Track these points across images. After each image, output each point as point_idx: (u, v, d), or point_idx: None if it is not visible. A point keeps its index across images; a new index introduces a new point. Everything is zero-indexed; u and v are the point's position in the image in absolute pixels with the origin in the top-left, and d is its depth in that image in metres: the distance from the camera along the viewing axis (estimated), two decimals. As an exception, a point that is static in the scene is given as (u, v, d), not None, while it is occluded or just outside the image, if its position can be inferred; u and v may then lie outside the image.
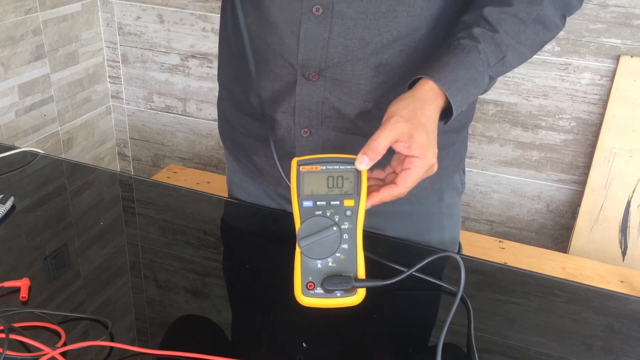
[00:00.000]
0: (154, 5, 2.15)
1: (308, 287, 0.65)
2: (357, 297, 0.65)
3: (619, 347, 0.72)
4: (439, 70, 0.72)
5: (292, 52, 0.78)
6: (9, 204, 0.91)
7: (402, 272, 0.74)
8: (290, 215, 0.94)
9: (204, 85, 2.22)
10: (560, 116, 1.88)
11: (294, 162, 0.69)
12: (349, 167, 0.68)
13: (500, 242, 1.94)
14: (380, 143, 0.67)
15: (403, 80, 0.78)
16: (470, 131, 2.00)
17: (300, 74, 0.79)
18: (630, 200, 1.83)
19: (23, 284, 0.75)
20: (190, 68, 2.21)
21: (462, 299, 0.77)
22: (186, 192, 1.01)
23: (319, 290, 0.65)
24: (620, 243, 1.89)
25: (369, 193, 0.68)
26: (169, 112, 2.34)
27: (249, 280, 0.81)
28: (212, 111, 2.26)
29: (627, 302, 0.80)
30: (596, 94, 1.82)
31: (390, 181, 0.70)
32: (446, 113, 0.74)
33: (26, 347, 0.66)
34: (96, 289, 0.77)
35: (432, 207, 0.94)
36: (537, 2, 0.75)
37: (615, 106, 1.78)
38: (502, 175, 2.02)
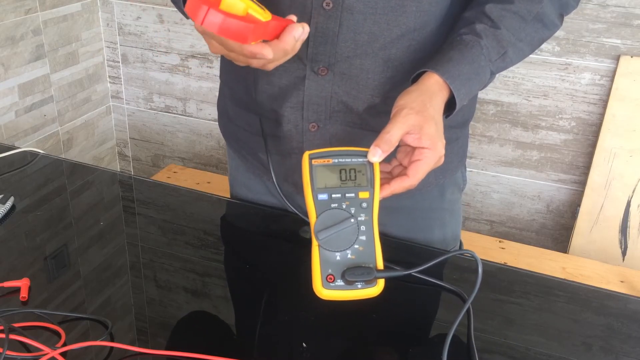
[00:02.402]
0: (154, 5, 2.15)
1: (328, 280, 0.64)
2: (378, 287, 0.65)
3: (619, 347, 0.72)
4: (444, 64, 0.73)
5: (302, 47, 0.78)
6: (9, 204, 0.91)
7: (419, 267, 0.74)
8: (290, 215, 0.95)
9: (204, 85, 2.22)
10: (560, 116, 1.88)
11: (306, 155, 0.69)
12: (361, 159, 0.69)
13: (500, 242, 1.94)
14: (393, 135, 0.67)
15: (411, 75, 0.79)
16: (470, 131, 2.00)
17: (310, 69, 0.80)
18: (630, 200, 1.83)
19: (23, 284, 0.75)
20: (190, 68, 2.21)
21: (462, 298, 0.77)
22: (186, 192, 1.01)
23: (340, 282, 0.64)
24: (620, 243, 1.89)
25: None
26: (169, 112, 2.34)
27: (249, 280, 0.81)
28: (212, 111, 2.26)
29: (627, 302, 0.80)
30: (596, 94, 1.82)
31: (399, 173, 0.71)
32: (448, 107, 0.75)
33: (26, 347, 0.66)
34: (96, 289, 0.77)
35: (434, 202, 0.94)
36: (537, 0, 0.76)
37: (615, 106, 1.78)
38: (502, 175, 2.02)
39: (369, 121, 0.83)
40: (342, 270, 0.65)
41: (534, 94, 1.87)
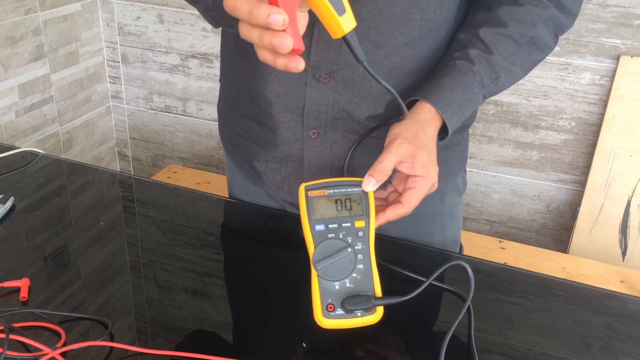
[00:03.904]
0: (154, 5, 2.15)
1: (328, 309, 0.66)
2: (377, 315, 0.67)
3: (619, 347, 0.72)
4: (436, 93, 0.75)
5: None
6: (9, 204, 0.91)
7: (414, 280, 0.75)
8: (290, 215, 0.95)
9: (204, 85, 2.22)
10: (560, 116, 1.88)
11: (302, 188, 0.71)
12: (356, 189, 0.71)
13: (500, 242, 1.94)
14: (386, 165, 0.70)
15: (414, 84, 0.80)
16: (470, 131, 2.00)
17: (311, 76, 0.79)
18: (630, 200, 1.84)
19: (23, 284, 0.75)
20: (190, 68, 2.21)
21: (462, 298, 0.77)
22: (186, 192, 1.01)
23: (340, 311, 0.66)
24: (620, 243, 1.89)
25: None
26: (169, 112, 2.34)
27: (249, 281, 0.81)
28: (212, 111, 2.26)
29: (627, 302, 0.80)
30: (596, 94, 1.82)
31: (394, 200, 0.73)
32: (442, 129, 0.77)
33: (26, 347, 0.66)
34: (96, 289, 0.77)
35: (434, 207, 0.94)
36: (531, 23, 0.77)
37: (615, 106, 1.78)
38: (502, 175, 2.02)
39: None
40: (341, 300, 0.66)
41: (534, 94, 1.87)
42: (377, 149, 0.75)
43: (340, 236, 0.68)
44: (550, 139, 1.91)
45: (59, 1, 2.01)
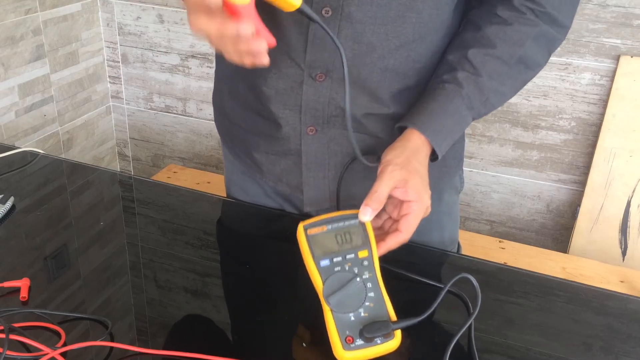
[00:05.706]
0: (154, 5, 2.15)
1: (347, 342, 0.66)
2: (396, 340, 0.67)
3: (619, 347, 0.72)
4: (425, 120, 0.77)
5: (299, 53, 0.78)
6: (9, 204, 0.91)
7: (415, 281, 0.73)
8: (289, 215, 0.95)
9: (204, 85, 2.22)
10: (560, 116, 1.88)
11: (300, 227, 0.71)
12: (354, 221, 0.71)
13: (500, 242, 1.94)
14: (381, 193, 0.71)
15: (408, 85, 0.81)
16: (470, 131, 2.00)
17: (307, 75, 0.80)
18: (630, 200, 1.84)
19: (23, 284, 0.75)
20: (190, 68, 2.21)
21: (462, 299, 0.77)
22: (186, 192, 1.01)
23: (360, 341, 0.66)
24: (620, 243, 1.89)
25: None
26: (169, 112, 2.34)
27: (249, 280, 0.81)
28: (212, 111, 2.25)
29: (627, 302, 0.80)
30: (596, 94, 1.82)
31: (391, 228, 0.75)
32: (433, 151, 0.79)
33: (26, 347, 0.66)
34: (96, 289, 0.77)
35: (432, 206, 0.94)
36: (519, 43, 0.78)
37: (615, 106, 1.78)
38: (502, 175, 2.02)
39: (367, 126, 0.84)
40: (359, 329, 0.66)
41: (534, 94, 1.87)
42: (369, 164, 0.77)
43: (347, 268, 0.69)
44: (550, 139, 1.91)
45: (59, 1, 2.01)
